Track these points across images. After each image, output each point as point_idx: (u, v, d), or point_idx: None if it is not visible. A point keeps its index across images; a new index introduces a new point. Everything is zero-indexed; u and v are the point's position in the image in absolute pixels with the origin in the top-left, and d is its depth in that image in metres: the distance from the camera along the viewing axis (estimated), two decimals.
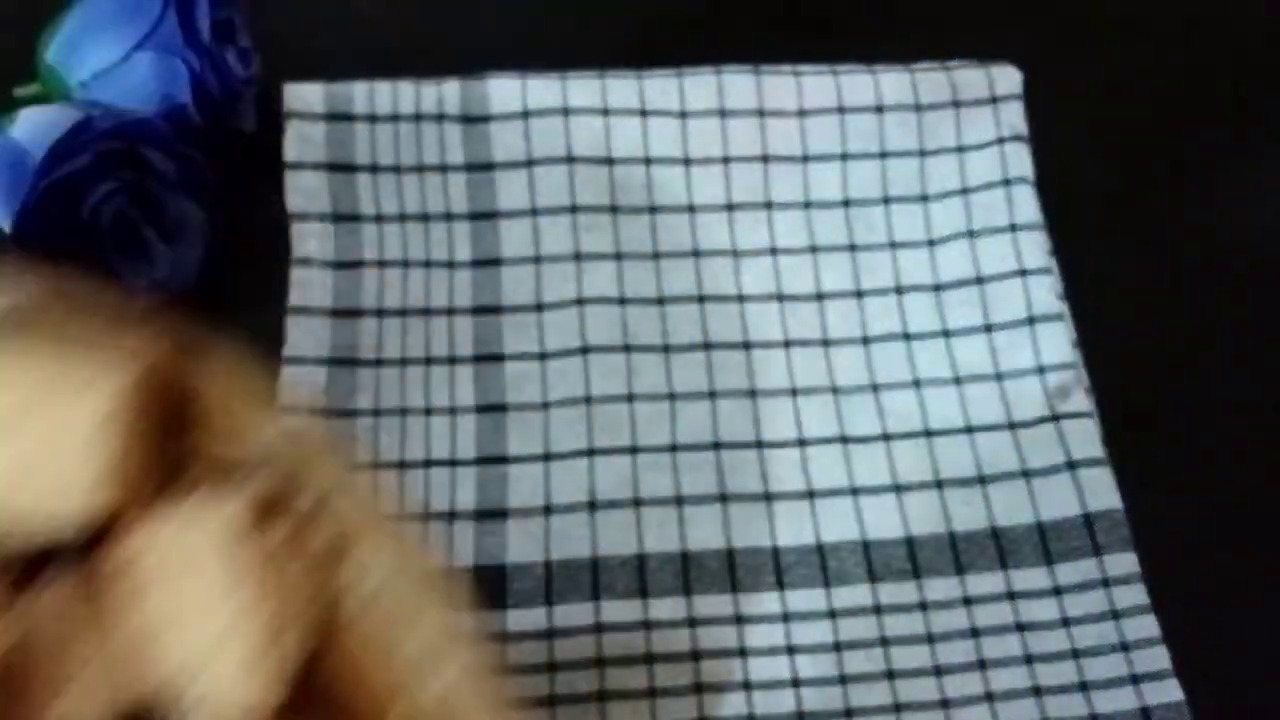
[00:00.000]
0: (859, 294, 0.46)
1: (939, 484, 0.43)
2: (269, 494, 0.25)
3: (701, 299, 0.45)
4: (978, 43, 0.49)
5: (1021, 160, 0.47)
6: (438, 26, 0.51)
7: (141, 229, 0.43)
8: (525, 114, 0.46)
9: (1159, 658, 0.39)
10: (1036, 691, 0.39)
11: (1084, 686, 0.39)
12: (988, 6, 0.53)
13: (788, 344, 0.45)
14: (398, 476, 0.42)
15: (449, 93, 0.47)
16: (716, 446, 0.43)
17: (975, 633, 0.40)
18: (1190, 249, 0.48)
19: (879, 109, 0.47)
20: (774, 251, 0.46)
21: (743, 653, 0.40)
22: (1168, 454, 0.44)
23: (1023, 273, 0.45)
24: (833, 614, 0.41)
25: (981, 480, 0.43)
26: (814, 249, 0.46)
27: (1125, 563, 0.41)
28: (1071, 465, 0.42)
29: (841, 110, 0.47)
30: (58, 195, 0.41)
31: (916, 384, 0.44)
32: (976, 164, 0.47)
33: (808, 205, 0.47)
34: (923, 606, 0.41)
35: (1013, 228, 0.46)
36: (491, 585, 0.41)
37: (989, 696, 0.39)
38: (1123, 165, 0.50)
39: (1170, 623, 0.40)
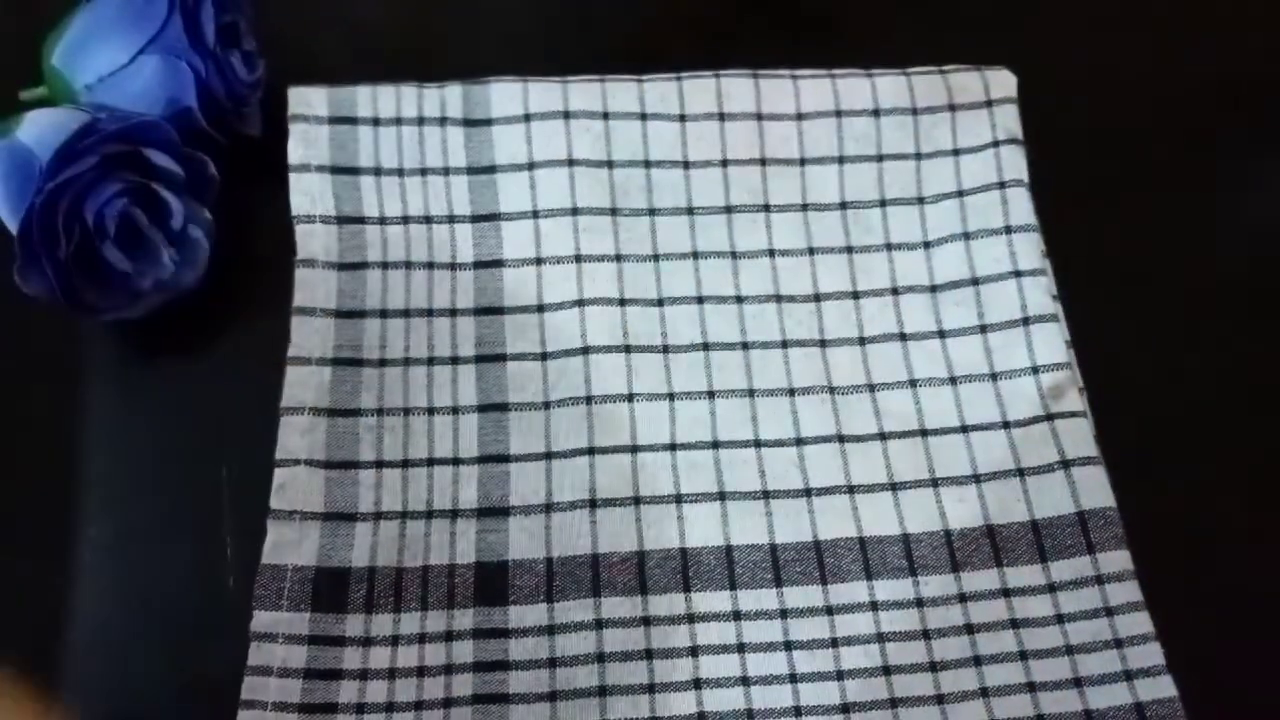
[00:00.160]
0: (856, 295, 0.46)
1: (934, 482, 0.43)
2: None
3: (700, 300, 0.46)
4: (973, 46, 0.49)
5: (1016, 163, 0.47)
6: (440, 31, 0.51)
7: (147, 231, 0.43)
8: (527, 117, 0.47)
9: (1152, 654, 0.40)
10: (1031, 687, 0.40)
11: (1078, 682, 0.40)
12: (983, 9, 0.53)
13: (785, 344, 0.45)
14: (401, 475, 0.42)
15: (451, 96, 0.47)
16: (715, 445, 0.43)
17: (970, 629, 0.41)
18: (1185, 250, 0.48)
19: (876, 112, 0.47)
20: (772, 253, 0.47)
21: (741, 648, 0.40)
22: (1161, 453, 0.44)
23: (1017, 274, 0.45)
24: (829, 610, 0.41)
25: (976, 479, 0.43)
26: (811, 251, 0.47)
27: (1118, 560, 0.41)
28: (1065, 464, 0.43)
29: (839, 114, 0.47)
30: (63, 198, 0.41)
31: (912, 384, 0.45)
32: (972, 167, 0.47)
33: (805, 208, 0.47)
34: (919, 603, 0.41)
35: (1007, 230, 0.46)
36: (493, 582, 0.41)
37: (984, 692, 0.40)
38: (1117, 167, 0.50)
39: (1163, 619, 0.40)
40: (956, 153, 0.47)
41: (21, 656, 0.40)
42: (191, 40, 0.44)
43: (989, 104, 0.48)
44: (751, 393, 0.44)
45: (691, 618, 0.41)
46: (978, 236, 0.46)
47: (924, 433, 0.44)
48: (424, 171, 0.47)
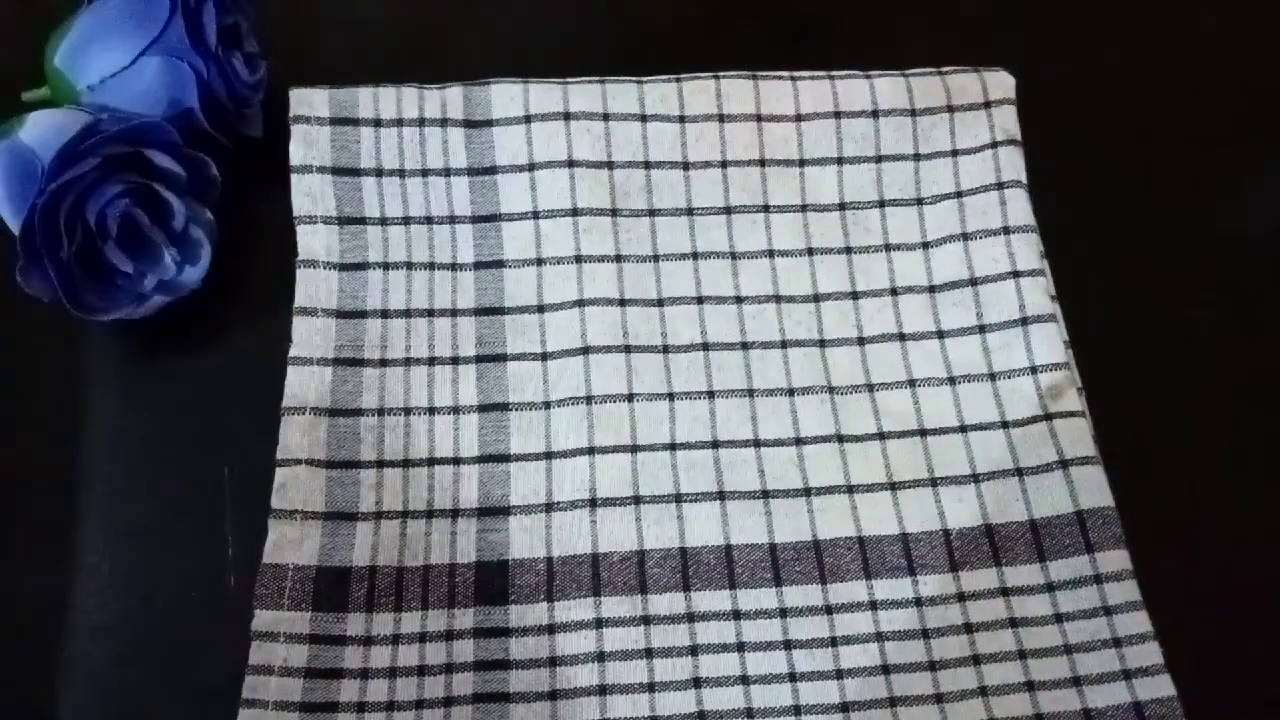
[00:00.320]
0: (854, 295, 0.46)
1: (934, 482, 0.43)
2: None
3: (700, 300, 0.46)
4: (972, 47, 0.49)
5: (1015, 164, 0.47)
6: (441, 32, 0.52)
7: (148, 232, 0.43)
8: (527, 118, 0.47)
9: (1151, 653, 0.40)
10: (1030, 686, 0.40)
11: (1077, 682, 0.40)
12: (982, 11, 0.53)
13: (785, 345, 0.45)
14: (402, 475, 0.43)
15: (452, 97, 0.47)
16: (715, 445, 0.43)
17: (969, 628, 0.41)
18: (1183, 250, 0.49)
19: (874, 114, 0.48)
20: (771, 254, 0.47)
21: (740, 647, 0.40)
22: (1160, 452, 0.45)
23: (1015, 274, 0.46)
24: (829, 610, 0.41)
25: (975, 478, 0.43)
26: (810, 251, 0.47)
27: (1117, 559, 0.41)
28: (1064, 464, 0.43)
29: (838, 115, 0.48)
30: (65, 198, 0.41)
31: (911, 384, 0.45)
32: (970, 168, 0.47)
33: (804, 208, 0.47)
34: (917, 602, 0.41)
35: (1006, 230, 0.46)
36: (494, 581, 0.41)
37: (983, 691, 0.40)
38: (1116, 167, 0.50)
39: (1162, 619, 0.40)
40: (955, 154, 0.48)
41: (22, 656, 0.41)
42: (193, 41, 0.44)
43: (987, 105, 0.48)
44: (751, 393, 0.44)
45: (691, 617, 0.41)
46: (976, 237, 0.46)
47: (923, 433, 0.44)
48: (425, 172, 0.47)
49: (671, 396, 0.44)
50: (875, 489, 0.43)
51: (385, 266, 0.46)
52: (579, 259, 0.46)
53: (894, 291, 0.46)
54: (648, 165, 0.47)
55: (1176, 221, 0.49)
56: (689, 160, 0.47)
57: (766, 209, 0.47)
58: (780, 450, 0.44)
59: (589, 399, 0.44)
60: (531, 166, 0.47)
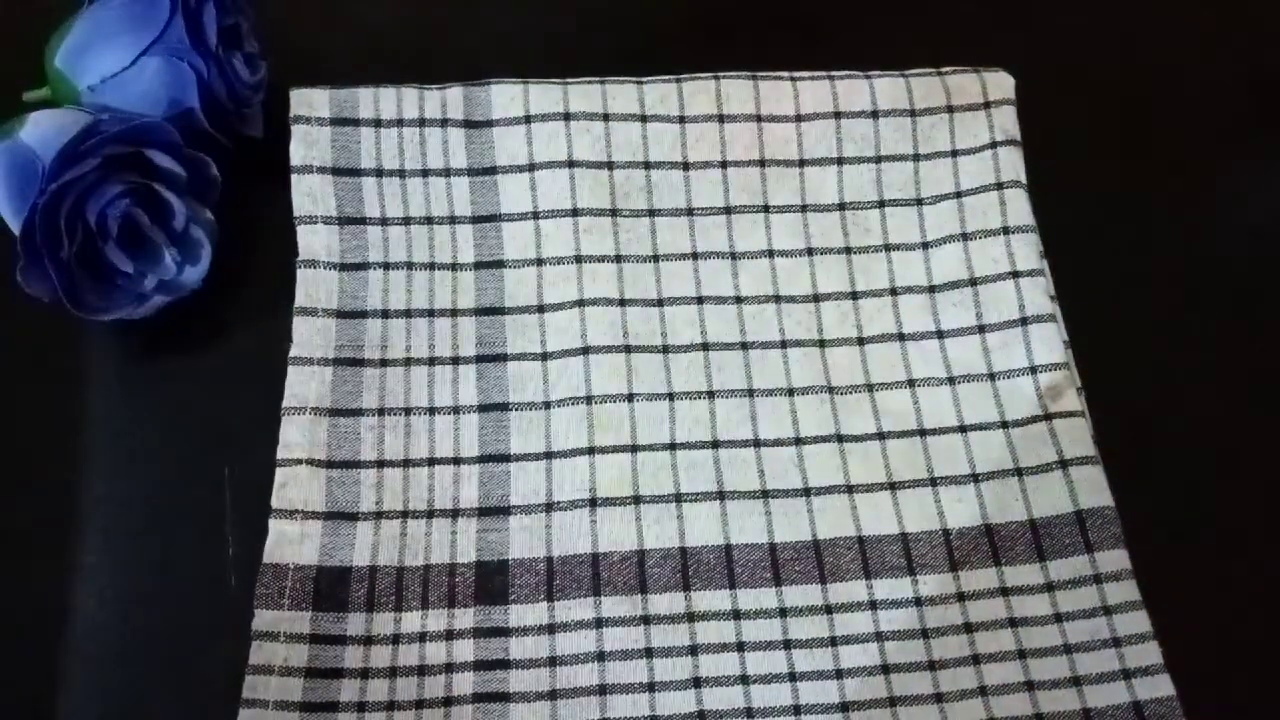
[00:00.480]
0: (854, 295, 0.46)
1: (933, 482, 0.43)
2: None
3: (700, 300, 0.46)
4: (972, 48, 0.49)
5: (1014, 164, 0.47)
6: (441, 33, 0.52)
7: (149, 232, 0.43)
8: (527, 118, 0.47)
9: (1150, 653, 0.40)
10: (1029, 686, 0.40)
11: (1076, 681, 0.40)
12: (982, 11, 0.53)
13: (784, 344, 0.45)
14: (402, 475, 0.43)
15: (452, 98, 0.47)
16: (715, 445, 0.43)
17: (969, 628, 0.41)
18: (1182, 250, 0.49)
19: (874, 114, 0.48)
20: (771, 254, 0.47)
21: (740, 647, 0.41)
22: (1160, 452, 0.45)
23: (1015, 274, 0.46)
24: (829, 609, 0.41)
25: (975, 478, 0.43)
26: (810, 251, 0.47)
27: (1117, 559, 0.41)
28: (1063, 464, 0.43)
29: (838, 115, 0.48)
30: (66, 199, 0.41)
31: (911, 384, 0.45)
32: (970, 168, 0.47)
33: (804, 208, 0.47)
34: (917, 602, 0.41)
35: (1005, 230, 0.46)
36: (494, 581, 0.41)
37: (982, 690, 0.40)
38: (1116, 167, 0.50)
39: (1162, 618, 0.40)
40: (955, 154, 0.48)
41: (23, 655, 0.41)
42: (194, 42, 0.44)
43: (987, 105, 0.48)
44: (751, 393, 0.44)
45: (691, 616, 0.41)
46: (976, 237, 0.46)
47: (922, 432, 0.44)
48: (425, 172, 0.47)
49: (671, 396, 0.44)
50: (875, 489, 0.43)
51: (385, 266, 0.46)
52: (579, 259, 0.46)
53: (894, 291, 0.46)
54: (648, 165, 0.47)
55: (1176, 221, 0.49)
56: (689, 160, 0.47)
57: (766, 209, 0.47)
58: (780, 450, 0.44)
59: (589, 399, 0.44)
60: (531, 167, 0.47)
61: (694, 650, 0.40)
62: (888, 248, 0.47)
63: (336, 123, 0.46)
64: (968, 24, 0.53)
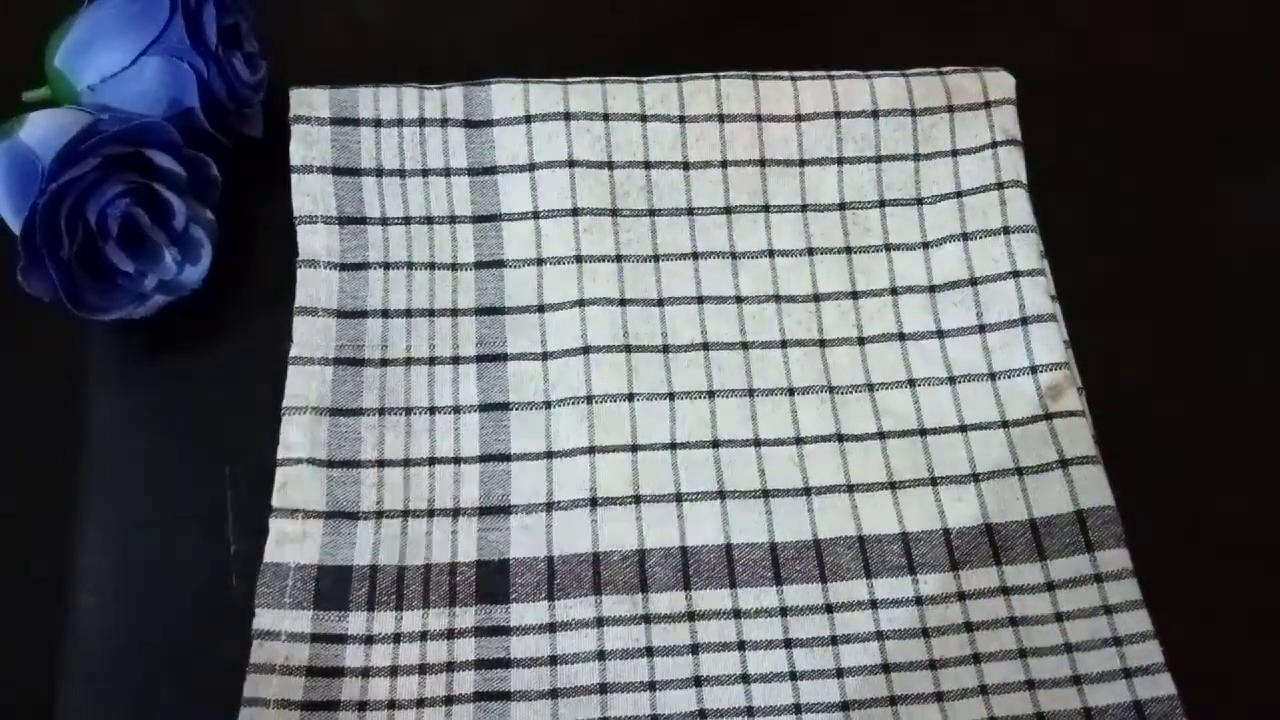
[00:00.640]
0: (855, 295, 0.46)
1: (934, 481, 0.43)
2: None
3: (700, 300, 0.46)
4: (972, 47, 0.49)
5: (1014, 164, 0.47)
6: (441, 32, 0.52)
7: (149, 232, 0.43)
8: (527, 118, 0.47)
9: (1151, 652, 0.40)
10: (1030, 685, 0.40)
11: (1077, 680, 0.40)
12: (983, 10, 0.53)
13: (785, 344, 0.45)
14: (403, 474, 0.43)
15: (452, 97, 0.47)
16: (715, 444, 0.43)
17: (970, 627, 0.41)
18: (1182, 249, 0.49)
19: (875, 114, 0.48)
20: (771, 253, 0.47)
21: (741, 646, 0.41)
22: (1160, 452, 0.45)
23: (1015, 274, 0.46)
24: (829, 609, 0.41)
25: (975, 478, 0.43)
26: (810, 251, 0.47)
27: (1117, 559, 0.41)
28: (1063, 463, 0.43)
29: (838, 115, 0.48)
30: (66, 198, 0.41)
31: (911, 383, 0.45)
32: (970, 167, 0.47)
33: (804, 208, 0.47)
34: (918, 601, 0.41)
35: (1005, 230, 0.46)
36: (495, 580, 0.41)
37: (983, 690, 0.40)
38: (1116, 167, 0.50)
39: (1162, 618, 0.40)
40: (955, 153, 0.48)
41: (22, 655, 0.41)
42: (193, 41, 0.44)
43: (987, 105, 0.48)
44: (751, 392, 0.44)
45: (692, 615, 0.41)
46: (976, 237, 0.46)
47: (923, 432, 0.44)
48: (425, 172, 0.47)
49: (672, 396, 0.44)
50: (875, 488, 0.43)
51: (386, 266, 0.46)
52: (579, 259, 0.46)
53: (894, 291, 0.46)
54: (648, 165, 0.47)
55: (1176, 221, 0.49)
56: (689, 160, 0.47)
57: (766, 209, 0.47)
58: (780, 449, 0.44)
59: (589, 398, 0.44)
60: (532, 166, 0.47)
61: (695, 649, 0.40)
62: (888, 247, 0.47)
63: (336, 122, 0.46)
64: (968, 24, 0.53)
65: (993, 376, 0.45)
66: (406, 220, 0.46)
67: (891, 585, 0.42)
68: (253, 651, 0.39)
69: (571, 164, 0.46)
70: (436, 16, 0.52)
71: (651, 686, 0.40)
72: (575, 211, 0.46)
